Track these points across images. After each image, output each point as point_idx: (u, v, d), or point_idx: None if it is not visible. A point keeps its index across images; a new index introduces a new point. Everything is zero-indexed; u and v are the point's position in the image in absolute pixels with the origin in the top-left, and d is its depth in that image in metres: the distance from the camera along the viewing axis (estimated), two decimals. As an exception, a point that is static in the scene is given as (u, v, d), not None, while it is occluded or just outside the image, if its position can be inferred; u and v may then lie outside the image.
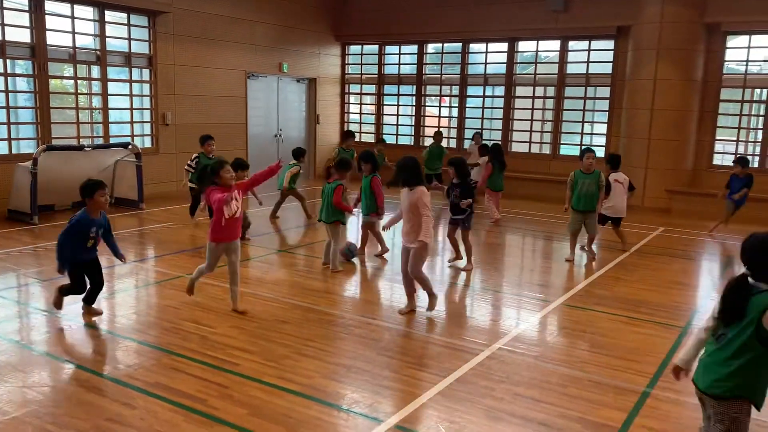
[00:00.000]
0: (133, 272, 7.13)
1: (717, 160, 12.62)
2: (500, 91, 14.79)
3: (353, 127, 16.99)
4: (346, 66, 16.75)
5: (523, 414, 4.00)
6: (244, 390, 4.22)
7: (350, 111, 17.04)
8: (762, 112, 12.19)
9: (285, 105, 15.34)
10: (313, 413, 3.94)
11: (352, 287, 6.97)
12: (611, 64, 13.30)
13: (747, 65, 12.24)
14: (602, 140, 13.68)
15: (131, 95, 11.98)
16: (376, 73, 16.41)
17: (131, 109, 12.00)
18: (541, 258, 8.88)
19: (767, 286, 2.80)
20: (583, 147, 8.82)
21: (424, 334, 5.46)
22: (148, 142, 12.36)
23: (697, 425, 3.89)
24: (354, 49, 16.70)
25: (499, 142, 12.38)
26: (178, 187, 9.98)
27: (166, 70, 12.27)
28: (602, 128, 13.73)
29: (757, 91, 12.32)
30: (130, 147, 10.84)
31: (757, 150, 12.23)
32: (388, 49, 16.27)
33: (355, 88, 16.88)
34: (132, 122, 12.02)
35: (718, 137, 12.57)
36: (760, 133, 12.23)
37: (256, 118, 14.46)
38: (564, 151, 14.28)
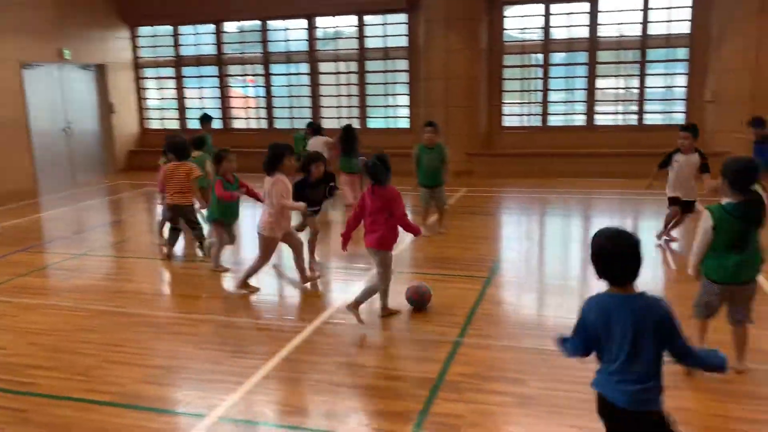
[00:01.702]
0: None
1: (506, 122, 13.75)
2: (305, 68, 14.76)
3: (153, 114, 16.01)
4: (139, 49, 15.64)
5: (350, 382, 4.08)
6: (47, 411, 3.82)
7: (148, 97, 15.99)
8: (541, 75, 13.47)
9: (72, 95, 13.93)
10: (130, 422, 3.69)
11: (162, 284, 6.61)
12: (407, 37, 13.84)
13: (524, 33, 13.43)
14: (406, 111, 14.26)
15: None
16: (173, 55, 15.51)
17: None
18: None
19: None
20: (426, 121, 8.38)
21: (244, 320, 5.34)
22: None
23: (501, 366, 4.26)
24: (145, 30, 15.61)
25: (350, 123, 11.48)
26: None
27: None
28: (405, 100, 14.30)
29: (534, 56, 13.56)
30: None
31: (539, 110, 13.53)
32: (183, 29, 15.43)
33: (151, 72, 15.85)
34: None
35: (505, 101, 13.69)
36: (540, 95, 13.53)
37: (39, 112, 12.96)
38: (371, 124, 14.68)
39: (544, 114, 13.44)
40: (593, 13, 12.65)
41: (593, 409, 3.59)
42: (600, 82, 13.20)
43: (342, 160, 9.88)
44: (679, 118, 12.58)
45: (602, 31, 12.75)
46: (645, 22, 12.45)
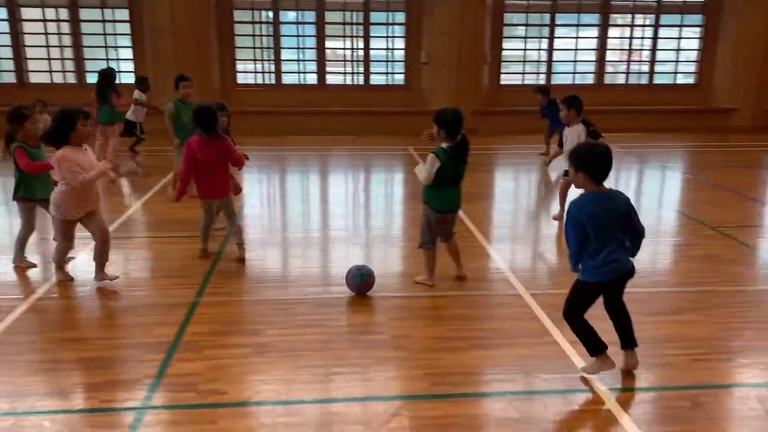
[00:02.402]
0: None
1: (241, 79, 13.55)
2: (2, 13, 12.74)
3: None
4: None
5: (73, 357, 3.75)
6: None
7: None
8: (272, 32, 13.47)
9: None
10: None
11: None
12: (126, -17, 12.75)
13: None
14: (130, 66, 13.22)
15: None
16: None
17: None
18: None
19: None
20: (178, 75, 7.83)
21: (-62, 305, 4.56)
22: None
23: (239, 320, 4.30)
24: None
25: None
26: None
27: None
28: (128, 53, 13.23)
29: (265, 12, 13.49)
30: None
31: (273, 68, 13.56)
32: None
33: None
34: None
35: (239, 58, 13.46)
36: (273, 53, 13.56)
37: None
38: (91, 79, 13.32)
39: (278, 72, 13.55)
40: (320, -27, 12.98)
41: (327, 348, 3.86)
42: (330, 43, 13.69)
43: (102, 111, 8.96)
44: (400, 80, 13.68)
45: (329, -8, 13.17)
46: (367, -14, 13.17)
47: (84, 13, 12.94)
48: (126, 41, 13.17)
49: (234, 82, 13.39)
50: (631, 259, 3.38)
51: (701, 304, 4.58)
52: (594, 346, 3.40)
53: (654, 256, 5.80)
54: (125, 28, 13.04)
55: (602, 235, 3.23)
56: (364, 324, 4.24)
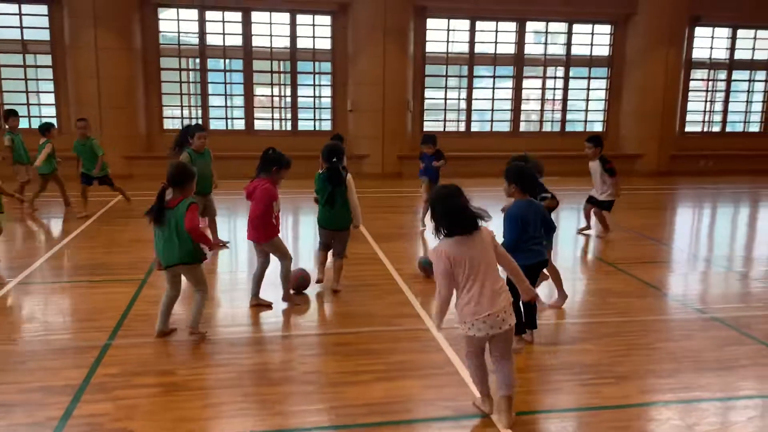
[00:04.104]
0: None
1: (168, 124, 13.59)
2: None
3: None
4: None
5: (-26, 404, 3.71)
6: None
7: None
8: (199, 79, 13.63)
9: None
10: None
11: None
12: (48, 30, 12.68)
13: (179, 36, 13.42)
14: (52, 111, 13.05)
15: None
16: None
17: None
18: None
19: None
20: (193, 124, 7.59)
21: None
22: None
23: (151, 361, 4.35)
24: None
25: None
26: None
27: None
28: (50, 98, 13.07)
29: (192, 59, 13.67)
30: None
31: (200, 114, 13.67)
32: None
33: None
34: None
35: (165, 103, 13.51)
36: (200, 99, 13.69)
37: None
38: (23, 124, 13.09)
39: (205, 118, 13.66)
40: (246, 23, 13.33)
41: (237, 385, 3.97)
42: (258, 90, 13.96)
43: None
44: (327, 126, 14.04)
45: (256, 42, 13.51)
46: (294, 36, 13.59)
47: (4, 59, 12.75)
48: (48, 86, 13.02)
49: (161, 128, 13.40)
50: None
51: (592, 334, 4.95)
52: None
53: (554, 291, 6.18)
54: (47, 73, 12.91)
55: (529, 227, 4.40)
56: (275, 361, 4.37)
